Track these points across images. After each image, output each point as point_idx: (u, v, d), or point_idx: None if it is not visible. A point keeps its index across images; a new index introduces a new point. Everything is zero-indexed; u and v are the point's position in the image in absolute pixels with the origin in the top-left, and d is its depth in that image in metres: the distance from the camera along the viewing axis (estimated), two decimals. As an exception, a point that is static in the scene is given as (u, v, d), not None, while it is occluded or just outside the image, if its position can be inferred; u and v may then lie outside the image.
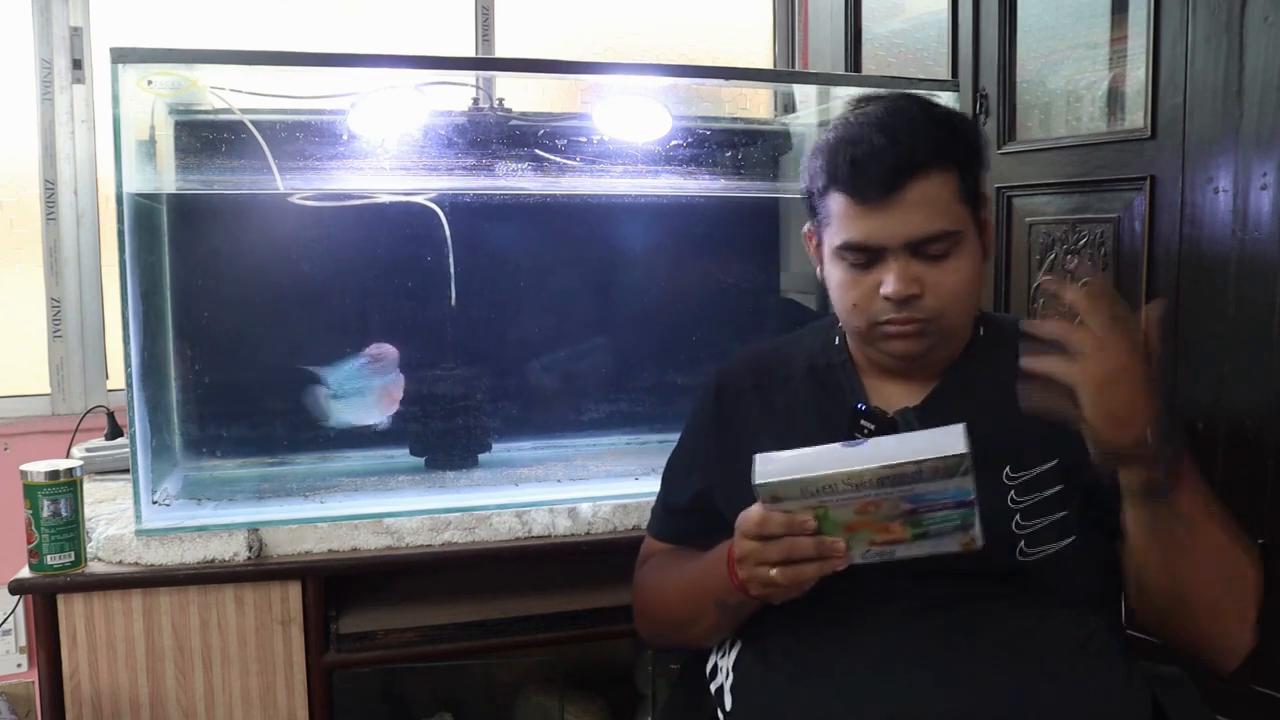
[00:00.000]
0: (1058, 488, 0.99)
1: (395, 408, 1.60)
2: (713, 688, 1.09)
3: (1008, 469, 0.99)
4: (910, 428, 0.98)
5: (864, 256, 0.99)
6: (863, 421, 1.00)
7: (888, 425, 1.00)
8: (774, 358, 1.16)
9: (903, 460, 0.85)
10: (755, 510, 0.92)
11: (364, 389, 1.57)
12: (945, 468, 0.85)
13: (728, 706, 1.05)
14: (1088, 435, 0.87)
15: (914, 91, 1.19)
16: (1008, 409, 0.91)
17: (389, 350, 1.58)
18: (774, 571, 0.91)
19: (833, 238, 1.01)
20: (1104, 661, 0.98)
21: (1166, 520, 0.91)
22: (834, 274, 1.03)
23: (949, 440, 0.85)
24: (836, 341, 1.12)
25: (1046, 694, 0.95)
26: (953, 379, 1.06)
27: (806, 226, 1.10)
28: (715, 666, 1.11)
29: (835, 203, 0.99)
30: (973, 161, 1.02)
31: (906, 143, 0.96)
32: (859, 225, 0.97)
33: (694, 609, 1.06)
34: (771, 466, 0.89)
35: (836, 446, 0.89)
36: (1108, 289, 0.87)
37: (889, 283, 0.97)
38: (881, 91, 1.12)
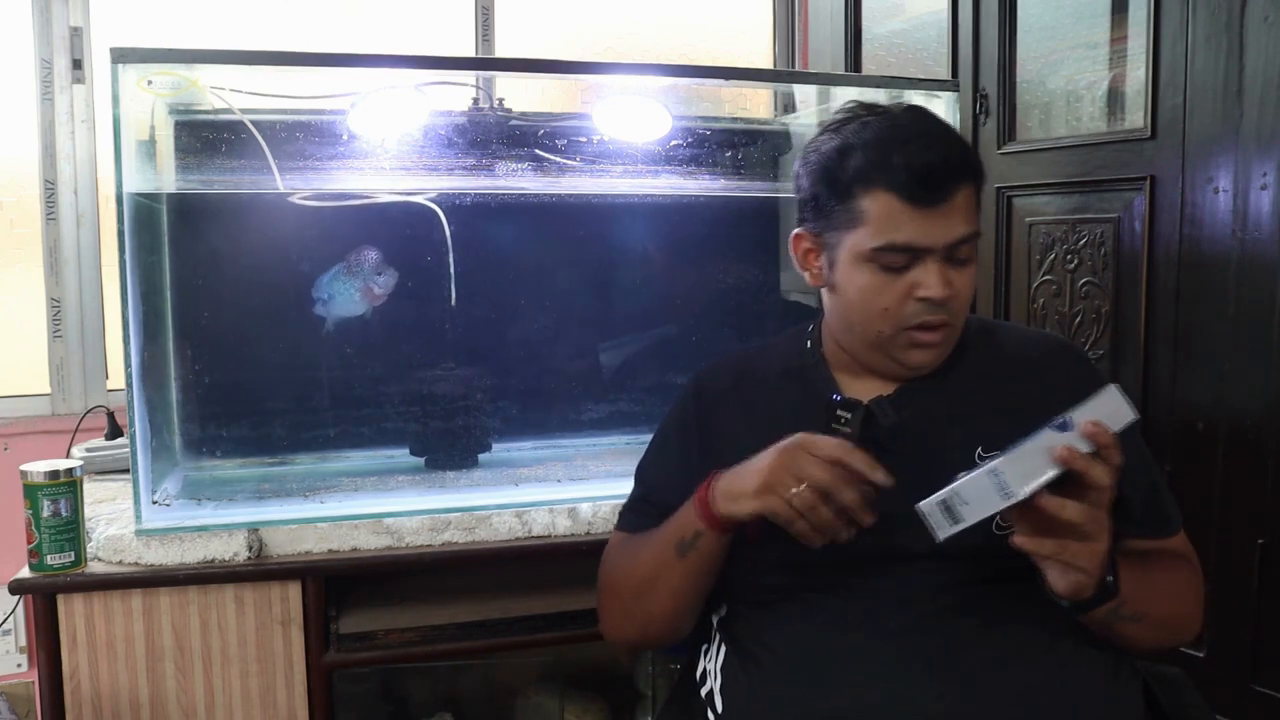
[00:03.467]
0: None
1: (379, 302, 1.63)
2: (703, 692, 1.09)
3: (980, 449, 1.01)
4: (885, 416, 1.02)
5: (904, 259, 0.98)
6: (839, 411, 1.02)
7: (864, 413, 1.02)
8: (750, 361, 1.18)
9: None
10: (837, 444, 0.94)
11: (346, 288, 1.62)
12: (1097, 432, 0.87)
13: (719, 709, 1.05)
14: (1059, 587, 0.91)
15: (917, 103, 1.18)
16: (975, 395, 1.00)
17: (370, 253, 1.61)
18: (800, 487, 0.92)
19: (867, 239, 0.99)
20: (1091, 649, 0.99)
21: (1117, 618, 0.96)
22: (858, 279, 1.01)
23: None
24: (809, 344, 1.14)
25: (1037, 686, 0.95)
26: (931, 379, 1.07)
27: (800, 231, 1.08)
28: (704, 671, 1.11)
29: (877, 203, 0.98)
30: (983, 175, 1.05)
31: (958, 150, 0.99)
32: (909, 226, 0.97)
33: (655, 562, 1.05)
34: (930, 506, 0.89)
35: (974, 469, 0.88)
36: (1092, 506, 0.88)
37: (932, 285, 0.98)
38: (880, 98, 1.13)
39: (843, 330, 1.08)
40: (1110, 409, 0.88)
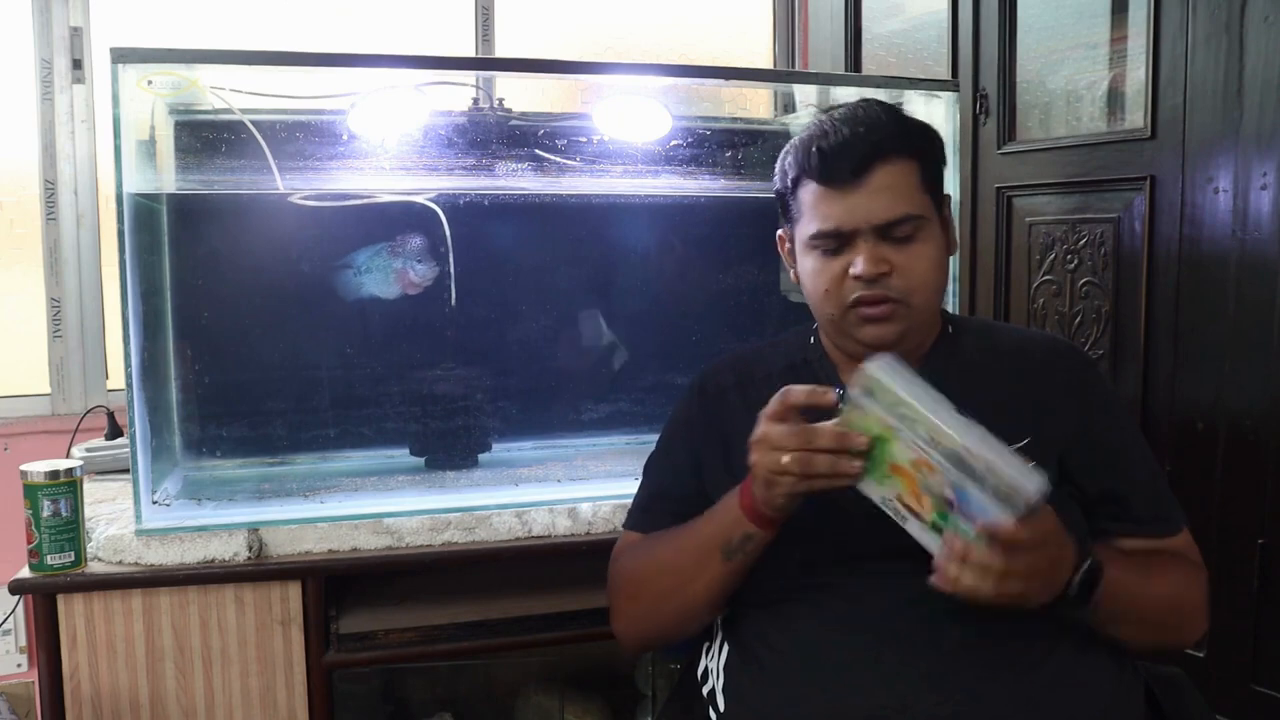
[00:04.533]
0: (1030, 464, 1.01)
1: (412, 291, 1.64)
2: (704, 691, 1.09)
3: None
4: None
5: (834, 242, 1.04)
6: (840, 405, 1.01)
7: None
8: (753, 359, 1.19)
9: (982, 454, 0.85)
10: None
11: (385, 266, 1.63)
12: (1005, 493, 0.84)
13: (721, 708, 1.05)
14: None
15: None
16: (975, 391, 0.99)
17: (416, 240, 1.63)
18: (787, 458, 0.92)
19: (805, 228, 1.06)
20: (1093, 651, 0.99)
21: (1097, 621, 0.97)
22: (806, 265, 1.08)
23: (1029, 481, 0.84)
24: (812, 341, 1.16)
25: (1038, 688, 0.95)
26: (923, 369, 1.07)
27: (779, 231, 1.15)
28: (705, 670, 1.11)
29: (806, 193, 1.05)
30: (932, 154, 1.07)
31: (869, 132, 1.02)
32: (830, 211, 1.03)
33: (695, 563, 1.05)
34: (884, 364, 0.90)
35: (948, 402, 0.89)
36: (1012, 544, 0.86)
37: (858, 263, 1.02)
38: (880, 98, 1.16)
39: (817, 321, 1.13)
40: (1027, 478, 0.85)
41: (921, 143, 1.06)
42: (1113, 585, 0.94)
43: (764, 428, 0.95)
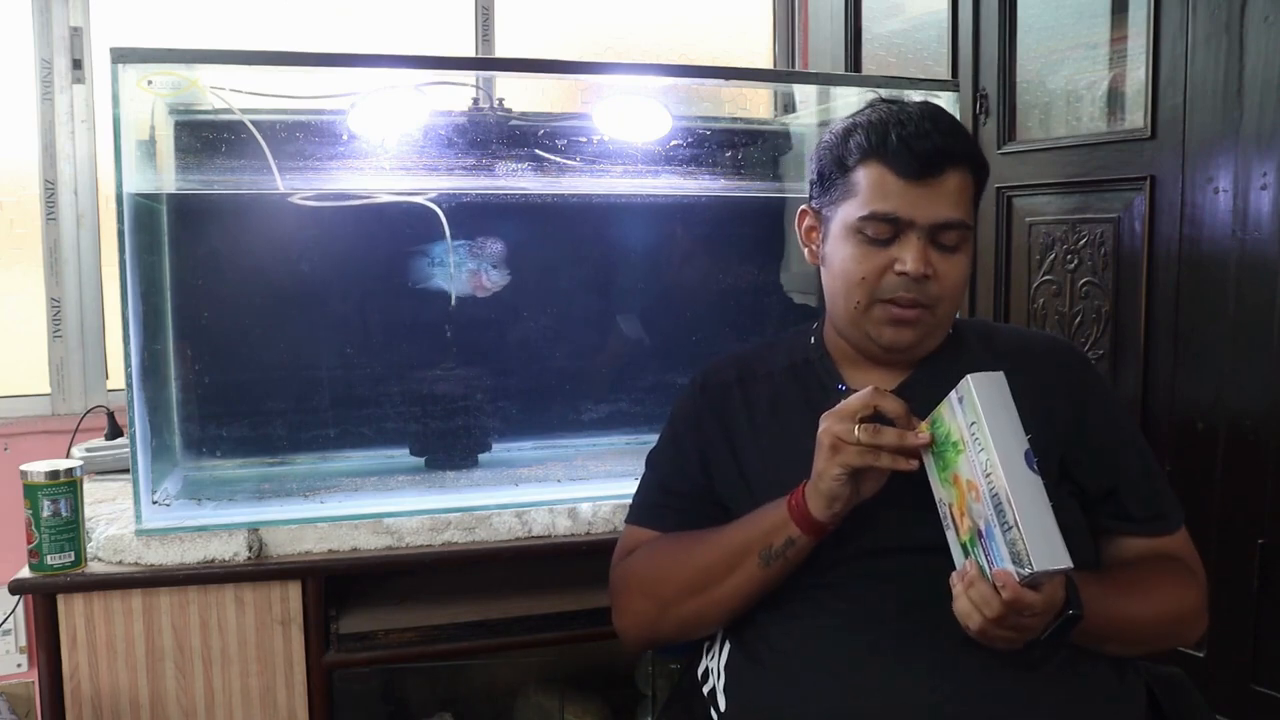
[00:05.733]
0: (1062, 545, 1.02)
1: (480, 294, 1.65)
2: (705, 690, 1.09)
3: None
4: None
5: (888, 230, 1.02)
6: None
7: None
8: (752, 359, 1.19)
9: (1021, 510, 0.86)
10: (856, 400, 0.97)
11: (460, 263, 1.64)
12: (1017, 554, 0.86)
13: (722, 707, 1.05)
14: None
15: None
16: None
17: (497, 245, 1.64)
18: (858, 439, 0.94)
19: (856, 209, 1.03)
20: (1092, 651, 0.99)
21: (1088, 642, 0.98)
22: (843, 249, 1.05)
23: (1044, 558, 0.85)
24: (813, 340, 1.16)
25: (1038, 688, 0.95)
26: (925, 369, 1.09)
27: (805, 207, 1.12)
28: (706, 670, 1.11)
29: (870, 174, 1.02)
30: (983, 177, 1.07)
31: (950, 135, 1.02)
32: (895, 197, 1.01)
33: (726, 566, 1.04)
34: (986, 380, 0.91)
35: (1024, 443, 0.90)
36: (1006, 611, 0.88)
37: (909, 260, 1.00)
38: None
39: (831, 308, 1.11)
40: (1057, 549, 0.86)
41: (981, 161, 1.06)
42: (1101, 614, 0.94)
43: (840, 404, 0.97)
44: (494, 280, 1.64)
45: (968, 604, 0.89)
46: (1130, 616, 1.00)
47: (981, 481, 0.89)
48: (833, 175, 1.06)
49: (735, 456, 1.11)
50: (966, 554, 0.92)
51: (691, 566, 1.08)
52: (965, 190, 1.03)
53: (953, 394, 0.93)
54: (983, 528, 0.89)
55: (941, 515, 0.95)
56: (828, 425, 0.96)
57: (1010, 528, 0.86)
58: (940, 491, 0.95)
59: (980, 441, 0.89)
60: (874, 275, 1.03)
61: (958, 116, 1.58)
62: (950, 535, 0.94)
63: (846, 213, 1.04)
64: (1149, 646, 1.04)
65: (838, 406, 0.97)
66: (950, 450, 0.93)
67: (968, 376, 0.91)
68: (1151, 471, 1.09)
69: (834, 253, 1.06)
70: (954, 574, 0.92)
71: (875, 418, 0.96)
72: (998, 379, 0.92)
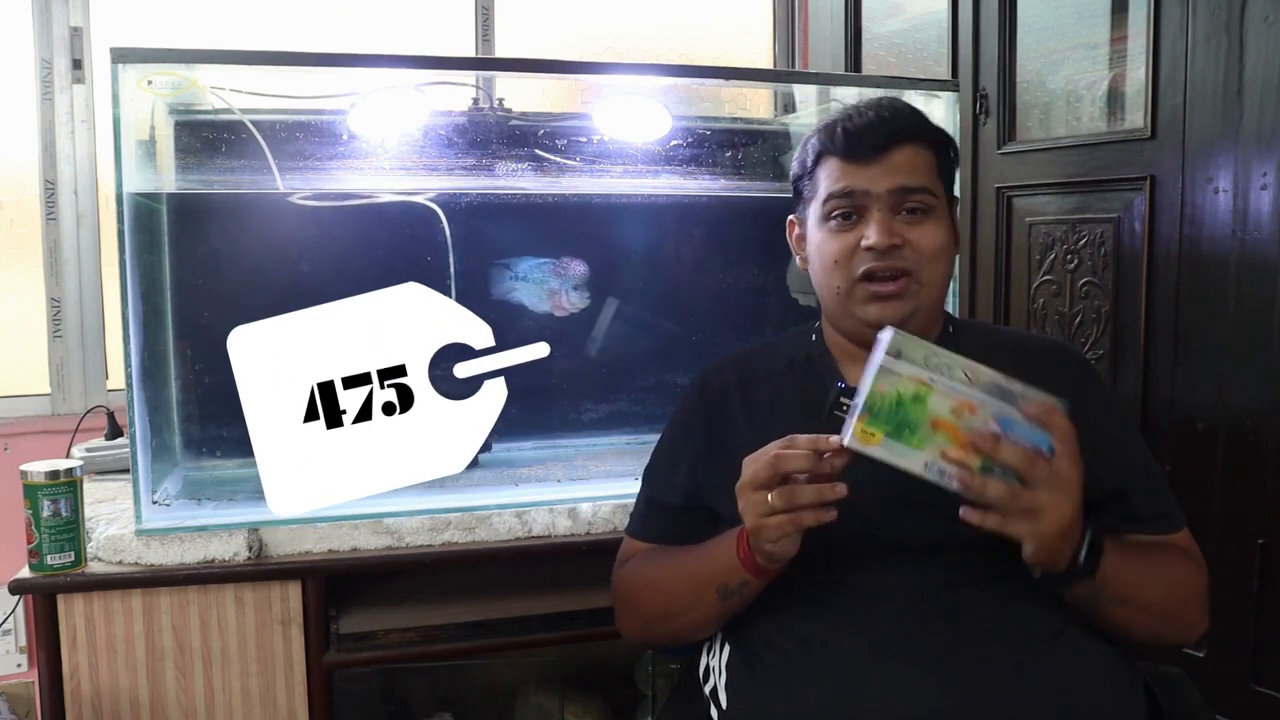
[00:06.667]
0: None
1: (557, 313, 1.69)
2: (706, 689, 1.09)
3: None
4: None
5: (847, 204, 1.07)
6: (843, 400, 1.02)
7: None
8: (754, 357, 1.20)
9: (1015, 381, 0.90)
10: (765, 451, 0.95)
11: (543, 280, 1.68)
12: (1041, 411, 0.89)
13: (723, 705, 1.05)
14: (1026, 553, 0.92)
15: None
16: None
17: (581, 267, 1.68)
18: (771, 496, 0.93)
19: (819, 200, 1.09)
20: (1092, 650, 0.99)
21: (1101, 599, 0.98)
22: (817, 239, 1.10)
23: (1055, 400, 0.91)
24: (814, 338, 1.17)
25: (1038, 687, 0.95)
26: None
27: (790, 217, 1.18)
28: (707, 668, 1.11)
29: (826, 167, 1.09)
30: (947, 151, 1.11)
31: (894, 117, 1.07)
32: (847, 177, 1.07)
33: (690, 596, 1.07)
34: (901, 333, 0.92)
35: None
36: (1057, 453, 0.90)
37: (871, 233, 1.05)
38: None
39: (821, 303, 1.14)
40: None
41: (939, 137, 1.10)
42: (1117, 566, 0.95)
43: (747, 473, 0.96)
44: (570, 303, 1.68)
45: (997, 486, 0.87)
46: (1147, 576, 1.00)
47: (971, 391, 0.89)
48: (801, 180, 1.13)
49: (730, 462, 1.10)
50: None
51: (661, 592, 1.12)
52: (921, 162, 1.07)
53: (880, 359, 0.90)
54: (996, 428, 0.89)
55: (936, 479, 0.91)
56: (742, 507, 0.96)
57: (1022, 394, 0.89)
58: (919, 460, 0.91)
59: (945, 363, 0.90)
60: (845, 255, 1.07)
61: (957, 116, 1.60)
62: (955, 486, 0.90)
63: (815, 208, 1.10)
64: (1155, 624, 1.02)
65: (746, 478, 0.96)
66: (912, 408, 0.90)
67: (879, 336, 0.92)
68: (1154, 471, 1.10)
69: (812, 247, 1.12)
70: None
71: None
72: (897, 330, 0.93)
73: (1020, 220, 2.02)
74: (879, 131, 1.06)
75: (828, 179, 1.08)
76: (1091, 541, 0.94)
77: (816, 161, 1.10)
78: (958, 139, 1.57)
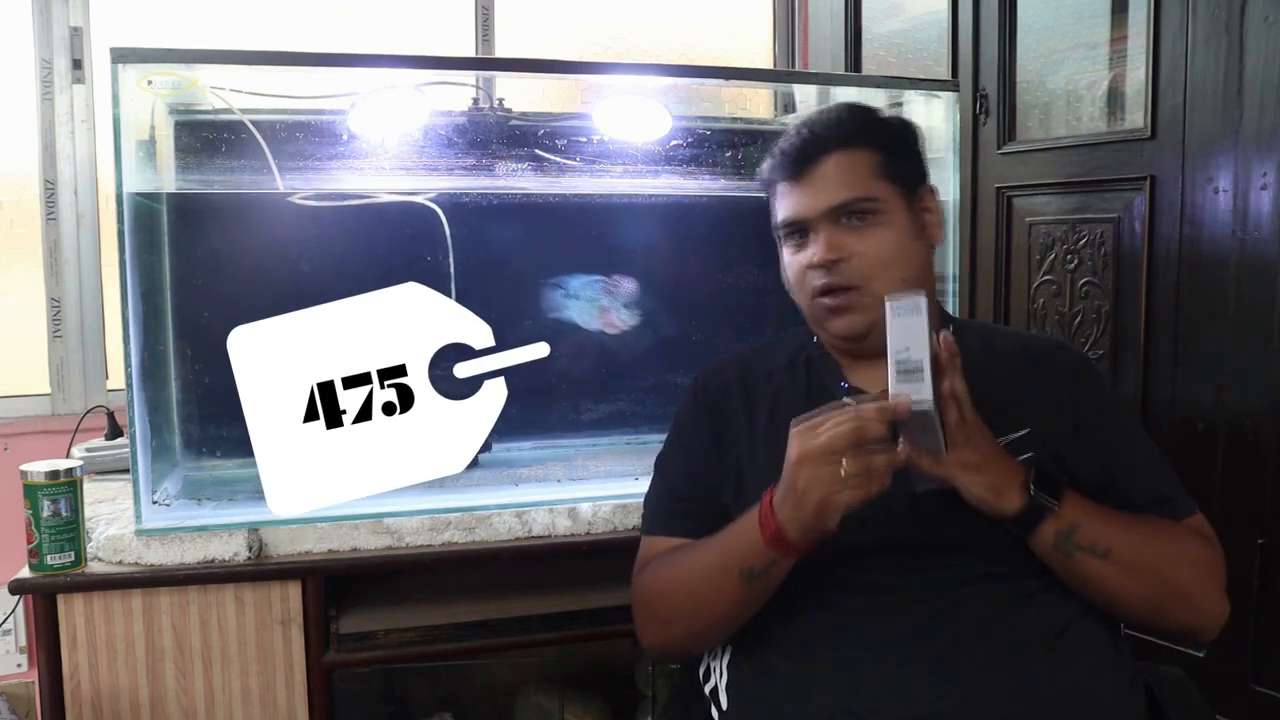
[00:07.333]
0: (1030, 453, 1.04)
1: (607, 330, 1.71)
2: (706, 689, 1.09)
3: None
4: None
5: (796, 229, 1.10)
6: (845, 399, 1.01)
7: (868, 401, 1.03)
8: (752, 358, 1.21)
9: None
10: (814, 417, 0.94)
11: (593, 299, 1.70)
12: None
13: (724, 705, 1.05)
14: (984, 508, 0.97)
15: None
16: (976, 385, 0.98)
17: (630, 286, 1.70)
18: (847, 464, 0.90)
19: (775, 223, 1.13)
20: (1093, 650, 0.99)
21: (1076, 550, 0.97)
22: (784, 259, 1.14)
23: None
24: (814, 338, 1.17)
25: (1038, 687, 0.95)
26: None
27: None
28: (708, 668, 1.11)
29: (777, 193, 1.13)
30: (895, 145, 1.11)
31: (821, 129, 1.09)
32: (788, 203, 1.10)
33: (712, 587, 1.02)
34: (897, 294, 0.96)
35: None
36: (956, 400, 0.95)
37: (812, 251, 1.07)
38: (880, 98, 1.22)
39: None
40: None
41: (879, 133, 1.10)
42: (1088, 512, 0.97)
43: (814, 443, 0.92)
44: (619, 322, 1.70)
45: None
46: (1125, 533, 0.99)
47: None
48: (768, 203, 1.16)
49: (734, 460, 1.11)
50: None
51: (682, 586, 1.07)
52: (860, 166, 1.07)
53: (912, 303, 0.93)
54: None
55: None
56: (811, 472, 0.91)
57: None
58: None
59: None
60: (799, 276, 1.10)
61: (957, 116, 1.60)
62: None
63: (779, 231, 1.14)
64: (1155, 596, 0.99)
65: (814, 448, 0.92)
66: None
67: (891, 303, 0.94)
68: (1155, 461, 1.09)
69: (784, 266, 1.15)
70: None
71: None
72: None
73: (1020, 220, 2.02)
74: (806, 148, 1.08)
75: (777, 204, 1.12)
76: (1046, 481, 0.96)
77: (769, 187, 1.14)
78: (957, 139, 1.58)
